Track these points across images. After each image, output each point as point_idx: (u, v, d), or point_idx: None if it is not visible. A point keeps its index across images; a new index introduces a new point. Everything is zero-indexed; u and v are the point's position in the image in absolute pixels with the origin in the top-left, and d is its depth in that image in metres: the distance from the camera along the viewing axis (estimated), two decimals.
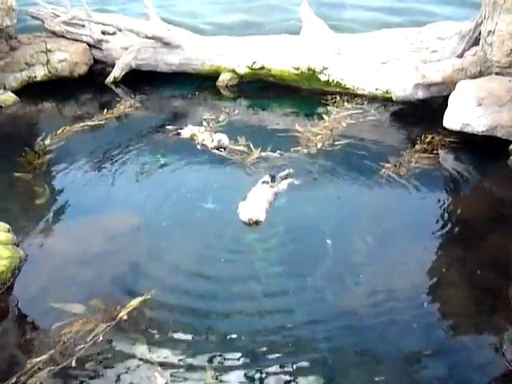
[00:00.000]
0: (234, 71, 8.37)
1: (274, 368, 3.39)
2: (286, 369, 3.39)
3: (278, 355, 3.48)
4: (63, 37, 8.75)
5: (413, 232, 4.73)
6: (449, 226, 4.86)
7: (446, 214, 5.04)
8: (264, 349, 3.53)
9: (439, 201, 5.23)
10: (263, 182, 5.24)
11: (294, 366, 3.40)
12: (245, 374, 3.35)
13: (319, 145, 6.23)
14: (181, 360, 3.46)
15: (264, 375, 3.34)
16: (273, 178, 5.24)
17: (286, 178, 5.45)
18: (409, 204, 5.25)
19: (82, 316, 3.77)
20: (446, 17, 9.46)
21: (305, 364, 3.42)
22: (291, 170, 5.57)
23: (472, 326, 3.76)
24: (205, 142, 6.35)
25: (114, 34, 8.79)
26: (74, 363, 3.39)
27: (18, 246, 4.47)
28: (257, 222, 4.78)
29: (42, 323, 3.78)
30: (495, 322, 3.77)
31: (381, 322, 3.74)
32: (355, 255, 4.44)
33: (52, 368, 3.37)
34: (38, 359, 3.42)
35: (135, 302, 3.87)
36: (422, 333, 3.66)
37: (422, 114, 7.10)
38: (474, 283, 4.16)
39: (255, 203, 4.91)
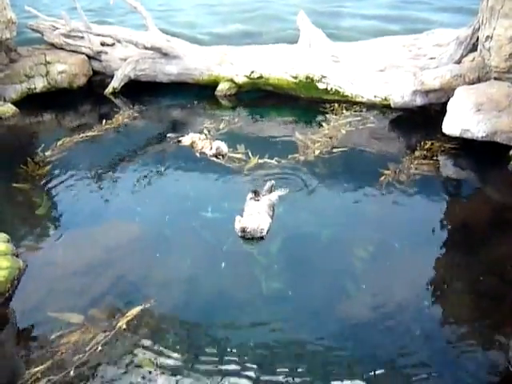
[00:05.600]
0: (232, 81, 8.39)
1: (275, 379, 3.35)
2: (288, 379, 3.34)
3: (278, 366, 3.45)
4: (62, 49, 8.83)
5: (413, 239, 4.70)
6: (450, 232, 4.85)
7: (447, 220, 5.01)
8: (265, 359, 3.50)
9: (439, 207, 5.20)
10: (250, 199, 5.16)
11: (297, 380, 3.35)
12: None
13: (317, 152, 6.23)
14: (181, 369, 3.42)
15: None
16: (256, 193, 5.20)
17: (271, 190, 5.37)
18: (409, 210, 5.22)
19: (81, 326, 3.75)
20: (442, 24, 9.55)
21: (307, 378, 3.37)
22: (273, 182, 5.49)
23: (476, 334, 3.70)
24: (204, 150, 6.36)
25: (113, 45, 8.86)
26: (72, 373, 3.37)
27: (17, 256, 4.45)
28: (261, 237, 4.73)
29: (40, 333, 3.75)
30: (500, 329, 3.71)
31: (382, 330, 3.71)
32: (356, 263, 4.41)
33: (51, 378, 3.35)
34: (37, 369, 3.40)
35: (134, 311, 3.85)
36: (425, 341, 3.62)
37: (420, 120, 7.10)
38: (476, 290, 4.13)
39: (256, 218, 4.81)
